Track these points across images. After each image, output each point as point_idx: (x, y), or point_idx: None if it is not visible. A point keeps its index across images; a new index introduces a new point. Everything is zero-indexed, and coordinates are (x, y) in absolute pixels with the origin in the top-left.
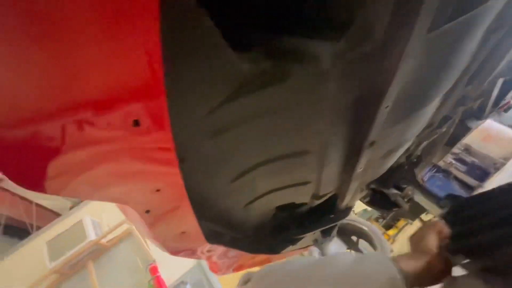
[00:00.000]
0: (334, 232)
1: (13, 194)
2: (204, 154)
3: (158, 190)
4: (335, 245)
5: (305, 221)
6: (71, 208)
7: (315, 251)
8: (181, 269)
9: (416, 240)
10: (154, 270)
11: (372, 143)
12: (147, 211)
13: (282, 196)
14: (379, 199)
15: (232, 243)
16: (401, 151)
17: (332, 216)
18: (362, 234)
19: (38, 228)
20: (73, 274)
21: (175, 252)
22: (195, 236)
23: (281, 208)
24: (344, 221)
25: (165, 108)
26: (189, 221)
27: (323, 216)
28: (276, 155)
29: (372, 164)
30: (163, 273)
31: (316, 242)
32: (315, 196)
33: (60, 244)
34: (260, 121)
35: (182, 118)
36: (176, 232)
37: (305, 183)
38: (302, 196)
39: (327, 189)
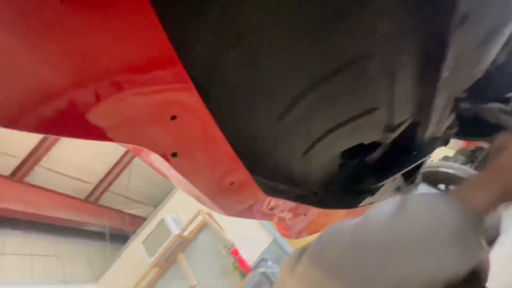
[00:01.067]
0: (419, 176)
1: (109, 208)
2: (235, 80)
3: (173, 117)
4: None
5: (381, 166)
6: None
7: None
8: (259, 248)
9: (494, 151)
10: (235, 252)
11: (464, 18)
12: (174, 154)
13: (346, 137)
14: (472, 125)
15: (298, 199)
16: (505, 34)
17: (414, 153)
18: (452, 180)
19: (133, 232)
20: (169, 265)
21: (232, 212)
22: (248, 188)
23: (348, 155)
24: (428, 167)
25: None
26: (233, 167)
27: (402, 155)
28: (330, 68)
29: (464, 60)
30: (244, 254)
31: (398, 191)
32: (389, 128)
33: (153, 242)
34: None
35: None
36: (222, 183)
37: (372, 110)
38: (372, 132)
39: (403, 114)
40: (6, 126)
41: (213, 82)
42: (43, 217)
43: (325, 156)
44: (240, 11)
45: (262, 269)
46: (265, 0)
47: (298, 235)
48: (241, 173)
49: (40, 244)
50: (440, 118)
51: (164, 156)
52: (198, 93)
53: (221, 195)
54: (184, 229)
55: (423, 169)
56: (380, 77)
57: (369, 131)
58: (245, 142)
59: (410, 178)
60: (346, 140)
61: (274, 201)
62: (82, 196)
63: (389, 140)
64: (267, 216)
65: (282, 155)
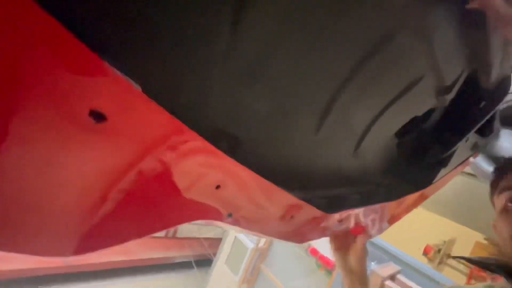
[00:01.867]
0: (496, 124)
1: (188, 238)
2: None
3: (218, 187)
4: (508, 138)
5: (445, 131)
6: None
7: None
8: None
9: None
10: (314, 251)
11: None
12: (229, 215)
13: (396, 116)
14: None
15: (363, 201)
16: None
17: (483, 104)
18: None
19: (214, 254)
20: (255, 278)
21: (304, 238)
22: (307, 211)
23: (403, 132)
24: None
25: None
26: (285, 203)
27: (468, 111)
28: (358, 55)
29: None
30: (324, 251)
31: (476, 148)
32: (442, 91)
33: (234, 260)
34: None
35: None
36: (282, 221)
37: (417, 81)
38: (423, 102)
39: (455, 70)
40: None
41: (241, 132)
42: (138, 261)
43: (379, 143)
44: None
45: None
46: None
47: (378, 231)
48: (295, 203)
49: (136, 286)
50: (504, 55)
51: (220, 219)
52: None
53: (283, 231)
54: (258, 242)
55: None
56: (416, 44)
57: (420, 102)
58: (289, 172)
59: (486, 130)
60: (396, 119)
61: (339, 214)
62: (162, 234)
63: (447, 102)
64: (338, 228)
65: (331, 163)
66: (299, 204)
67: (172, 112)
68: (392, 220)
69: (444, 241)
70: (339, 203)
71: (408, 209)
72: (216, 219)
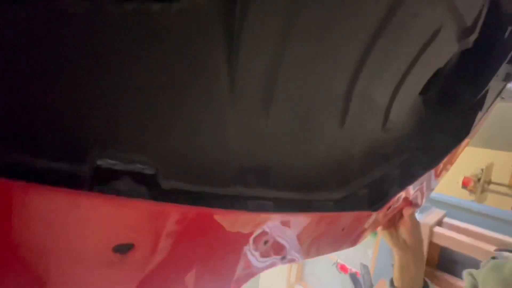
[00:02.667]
0: None
1: None
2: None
3: (266, 242)
4: None
5: (473, 71)
6: None
7: None
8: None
9: None
10: (343, 268)
11: None
12: (283, 257)
13: (418, 78)
14: None
15: (403, 179)
16: None
17: (509, 30)
18: None
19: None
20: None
21: (354, 243)
22: (353, 223)
23: (427, 87)
24: None
25: None
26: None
27: (495, 43)
28: (371, 28)
29: None
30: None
31: (509, 78)
32: (464, 34)
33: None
34: None
35: None
36: (338, 238)
37: (435, 34)
38: (446, 52)
39: (474, 8)
40: None
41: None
42: None
43: (405, 108)
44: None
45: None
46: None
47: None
48: (344, 217)
49: None
50: None
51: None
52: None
53: (339, 243)
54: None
55: None
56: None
57: (442, 54)
58: (323, 174)
59: None
60: (419, 79)
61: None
62: None
63: (471, 43)
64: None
65: (363, 147)
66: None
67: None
68: (440, 174)
69: (482, 169)
70: (382, 189)
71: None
72: (272, 266)
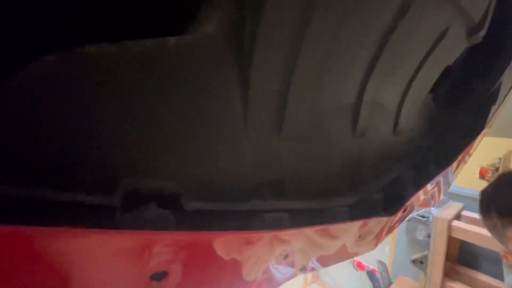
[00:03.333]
0: None
1: None
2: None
3: (286, 257)
4: None
5: (485, 64)
6: None
7: None
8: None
9: None
10: (360, 265)
11: None
12: (302, 268)
13: (427, 78)
14: None
15: (417, 180)
16: None
17: None
18: None
19: None
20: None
21: (373, 245)
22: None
23: (437, 85)
24: None
25: None
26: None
27: (505, 34)
28: (376, 37)
29: None
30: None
31: None
32: (473, 31)
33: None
34: None
35: None
36: (357, 240)
37: (443, 35)
38: (455, 50)
39: (482, 4)
40: None
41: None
42: None
43: (415, 109)
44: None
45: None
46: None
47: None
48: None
49: None
50: None
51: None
52: None
53: (359, 246)
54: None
55: None
56: (434, 3)
57: (450, 53)
58: (336, 180)
59: None
60: (429, 78)
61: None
62: None
63: (480, 39)
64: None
65: (375, 151)
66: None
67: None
68: (457, 166)
69: (500, 158)
70: (396, 191)
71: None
72: (291, 278)
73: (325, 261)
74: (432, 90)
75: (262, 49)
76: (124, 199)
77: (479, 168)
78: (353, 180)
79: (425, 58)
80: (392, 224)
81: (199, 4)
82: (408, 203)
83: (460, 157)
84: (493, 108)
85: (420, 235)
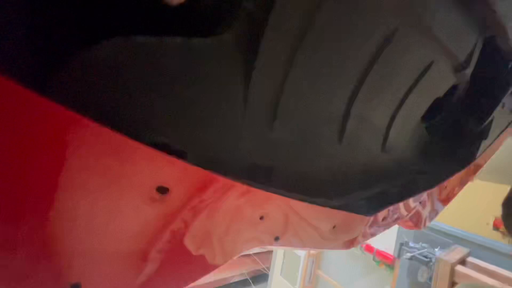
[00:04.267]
0: None
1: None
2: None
3: (262, 217)
4: None
5: (475, 102)
6: None
7: None
8: (391, 234)
9: None
10: (368, 248)
11: None
12: (276, 238)
13: (416, 104)
14: None
15: (403, 194)
16: None
17: (510, 65)
18: None
19: (268, 268)
20: (315, 285)
21: (346, 245)
22: (350, 219)
23: (429, 115)
24: None
25: None
26: (329, 216)
27: (496, 76)
28: (364, 60)
29: None
30: (379, 246)
31: None
32: (459, 67)
33: (289, 271)
34: None
35: None
36: (325, 234)
37: (428, 68)
38: (442, 83)
39: (468, 44)
40: None
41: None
42: (195, 287)
43: (406, 132)
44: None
45: (408, 255)
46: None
47: (431, 216)
48: (338, 214)
49: None
50: None
51: (269, 244)
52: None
53: (331, 241)
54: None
55: None
56: (415, 36)
57: (438, 85)
58: (323, 183)
59: None
60: (418, 106)
61: (382, 213)
62: None
63: (468, 76)
64: (387, 226)
65: (362, 164)
66: (342, 215)
67: (211, 163)
68: (447, 198)
69: None
70: (380, 201)
71: (462, 182)
72: (265, 245)
73: (296, 237)
74: (427, 120)
75: (263, 57)
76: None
77: (494, 218)
78: (339, 186)
79: (412, 86)
80: (368, 230)
81: (219, 19)
82: (386, 212)
83: (445, 183)
84: (485, 143)
85: (422, 277)
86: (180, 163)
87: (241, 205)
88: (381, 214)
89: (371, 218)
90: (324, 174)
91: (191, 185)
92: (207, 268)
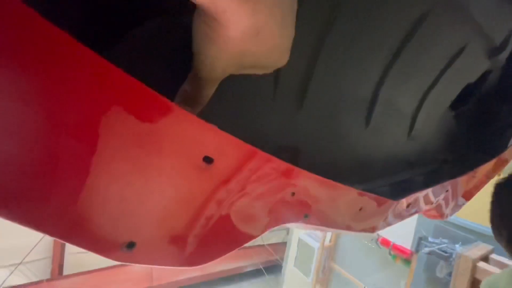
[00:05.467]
0: None
1: (253, 247)
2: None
3: (293, 194)
4: None
5: (509, 89)
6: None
7: None
8: (409, 228)
9: None
10: (385, 242)
11: None
12: (306, 215)
13: (446, 89)
14: None
15: (428, 182)
16: None
17: None
18: None
19: (282, 259)
20: (329, 278)
21: (373, 229)
22: (373, 203)
23: (459, 103)
24: None
25: None
26: (358, 198)
27: None
28: (397, 38)
29: None
30: (396, 240)
31: None
32: (494, 52)
33: (303, 262)
34: None
35: None
36: (354, 214)
37: (460, 51)
38: (474, 68)
39: (503, 27)
40: None
41: (299, 143)
42: (213, 274)
43: (434, 120)
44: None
45: (426, 249)
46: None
47: (453, 210)
48: (365, 196)
49: None
50: None
51: (299, 220)
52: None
53: (355, 223)
54: (323, 240)
55: None
56: (451, 17)
57: (470, 70)
58: (347, 167)
59: None
60: (447, 92)
61: (406, 199)
62: None
63: (503, 61)
64: (410, 215)
65: (388, 151)
66: (369, 198)
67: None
68: (469, 193)
69: None
70: (403, 188)
71: (488, 176)
72: (295, 221)
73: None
74: (455, 108)
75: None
76: None
77: None
78: (362, 173)
79: (443, 71)
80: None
81: None
82: (411, 199)
83: (471, 173)
84: None
85: (441, 272)
86: (223, 134)
87: (276, 178)
88: (406, 200)
89: (397, 203)
90: (348, 158)
91: (235, 156)
92: (248, 237)
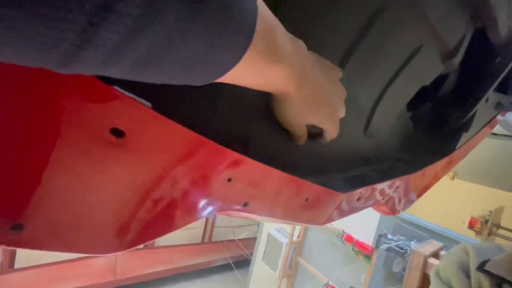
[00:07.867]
0: None
1: (223, 241)
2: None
3: (229, 180)
4: None
5: (461, 94)
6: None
7: None
8: (371, 225)
9: None
10: (349, 238)
11: None
12: (245, 204)
13: (402, 89)
14: None
15: (381, 177)
16: None
17: (497, 60)
18: None
19: (251, 254)
20: (295, 272)
21: (319, 221)
22: (323, 196)
23: (415, 104)
24: None
25: None
26: (301, 187)
27: (483, 69)
28: (351, 35)
29: None
30: (359, 237)
31: (501, 107)
32: (447, 55)
33: (271, 257)
34: None
35: None
36: (295, 205)
37: (416, 51)
38: (429, 69)
39: (457, 33)
40: None
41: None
42: (182, 268)
43: (390, 119)
44: None
45: (384, 246)
46: None
47: (406, 204)
48: (311, 187)
49: None
50: (510, 7)
51: (237, 209)
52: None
53: (300, 213)
54: (292, 235)
55: None
56: (407, 16)
57: (425, 71)
58: (300, 160)
59: (508, 86)
60: (403, 92)
61: (356, 194)
62: (198, 240)
63: (456, 66)
64: (359, 208)
65: (343, 147)
66: (315, 189)
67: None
68: (421, 191)
69: (491, 211)
70: (356, 182)
71: (436, 177)
72: (232, 209)
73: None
74: (412, 109)
75: None
76: None
77: (470, 217)
78: (318, 165)
79: (400, 68)
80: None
81: None
82: (365, 192)
83: (420, 172)
84: (465, 135)
85: (397, 267)
86: (141, 106)
87: (211, 162)
88: (356, 194)
89: (348, 195)
90: (304, 149)
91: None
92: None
